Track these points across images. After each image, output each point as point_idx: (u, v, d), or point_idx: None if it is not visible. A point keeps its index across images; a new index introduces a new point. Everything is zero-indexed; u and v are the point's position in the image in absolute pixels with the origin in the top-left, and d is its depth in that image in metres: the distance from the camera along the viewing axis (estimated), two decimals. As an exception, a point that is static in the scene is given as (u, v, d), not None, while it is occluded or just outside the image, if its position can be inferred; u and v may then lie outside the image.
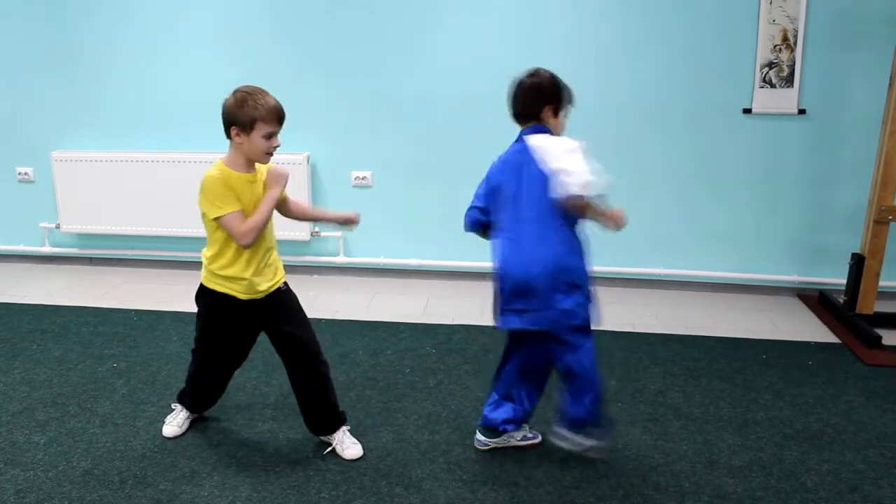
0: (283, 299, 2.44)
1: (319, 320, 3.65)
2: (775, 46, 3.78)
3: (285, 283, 2.47)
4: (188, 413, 2.64)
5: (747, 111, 3.88)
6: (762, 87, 3.84)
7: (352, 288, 4.23)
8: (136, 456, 2.46)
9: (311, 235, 4.30)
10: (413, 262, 4.32)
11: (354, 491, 2.27)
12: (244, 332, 2.49)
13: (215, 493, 2.26)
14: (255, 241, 2.26)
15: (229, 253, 2.30)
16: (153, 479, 2.33)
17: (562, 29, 3.90)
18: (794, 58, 3.78)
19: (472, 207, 2.40)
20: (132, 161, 4.28)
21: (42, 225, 4.56)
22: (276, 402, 2.83)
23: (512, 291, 2.24)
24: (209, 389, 2.61)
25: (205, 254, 2.37)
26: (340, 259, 4.38)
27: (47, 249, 4.61)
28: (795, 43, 3.76)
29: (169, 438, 2.55)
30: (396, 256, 4.35)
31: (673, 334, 3.52)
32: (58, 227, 4.50)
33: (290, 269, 4.33)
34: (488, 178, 2.38)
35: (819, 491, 2.29)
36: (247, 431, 2.62)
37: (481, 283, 4.28)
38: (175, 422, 2.60)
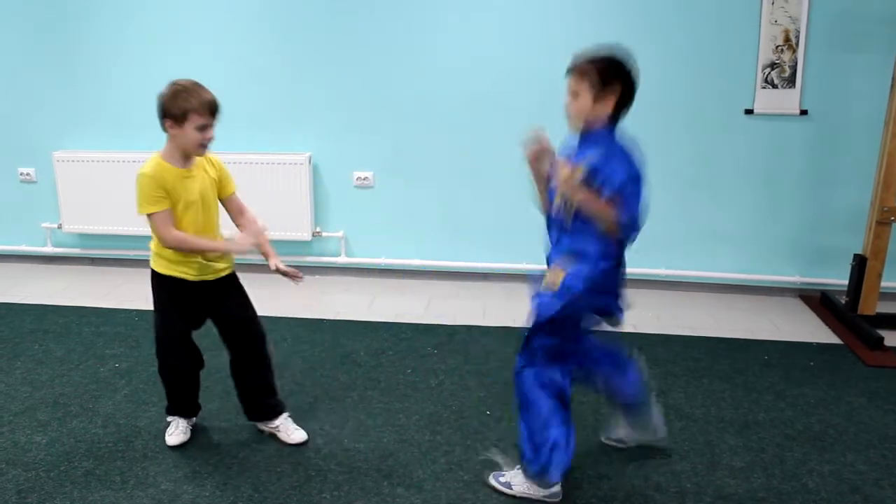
0: (231, 283, 2.51)
1: (321, 321, 3.65)
2: (777, 47, 3.78)
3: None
4: (186, 420, 2.61)
5: (749, 112, 3.88)
6: (764, 87, 3.83)
7: (353, 288, 4.23)
8: (138, 456, 2.46)
9: (313, 236, 4.30)
10: (414, 262, 4.32)
11: (356, 491, 2.28)
12: (194, 317, 2.51)
13: (217, 494, 2.26)
14: (179, 250, 2.34)
15: None
16: (155, 480, 2.33)
17: (562, 29, 3.90)
18: (795, 58, 3.78)
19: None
20: (134, 161, 4.27)
21: (44, 225, 4.56)
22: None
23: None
24: (187, 384, 2.58)
25: (154, 244, 2.40)
26: (342, 259, 4.38)
27: (49, 249, 4.62)
28: (797, 43, 3.76)
29: (177, 446, 2.53)
30: (398, 257, 4.35)
31: (674, 335, 3.52)
32: (59, 227, 4.51)
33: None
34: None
35: (820, 492, 2.28)
36: (248, 431, 2.62)
37: (483, 283, 4.29)
38: (177, 431, 2.57)
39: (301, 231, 4.23)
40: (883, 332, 3.40)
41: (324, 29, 4.07)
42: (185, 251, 2.34)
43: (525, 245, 3.93)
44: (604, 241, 2.06)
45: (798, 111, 3.84)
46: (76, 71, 4.33)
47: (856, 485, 2.32)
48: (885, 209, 3.51)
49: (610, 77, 2.02)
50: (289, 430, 2.55)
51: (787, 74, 3.80)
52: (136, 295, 4.04)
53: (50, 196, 4.49)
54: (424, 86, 4.08)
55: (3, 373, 3.08)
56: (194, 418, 2.65)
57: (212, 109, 2.27)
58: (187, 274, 2.39)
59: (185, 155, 2.32)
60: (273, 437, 2.57)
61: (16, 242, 4.67)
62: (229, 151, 4.20)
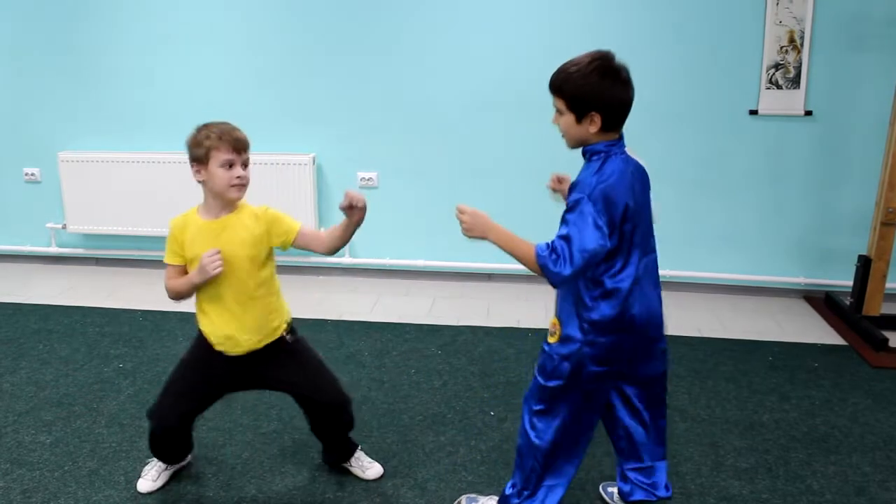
0: (278, 352, 2.22)
1: (325, 321, 3.65)
2: (782, 48, 3.77)
3: (286, 332, 2.26)
4: (164, 465, 2.35)
5: (753, 112, 3.87)
6: (768, 88, 3.83)
7: (357, 289, 4.23)
8: (142, 456, 2.46)
9: (317, 236, 4.29)
10: (419, 262, 4.32)
11: (359, 492, 2.28)
12: (211, 391, 2.27)
13: (221, 494, 2.26)
14: (177, 300, 2.20)
15: (201, 303, 2.21)
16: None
17: (568, 29, 3.89)
18: (800, 59, 3.77)
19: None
20: (139, 162, 4.29)
21: (48, 225, 4.57)
22: (280, 402, 2.82)
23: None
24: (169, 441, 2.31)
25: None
26: (346, 260, 4.39)
27: (54, 250, 4.63)
28: (802, 44, 3.75)
29: (143, 493, 2.30)
30: (402, 257, 4.35)
31: (679, 336, 3.51)
32: (64, 227, 4.52)
33: (296, 269, 4.38)
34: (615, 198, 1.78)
35: (825, 494, 2.28)
36: (252, 432, 2.63)
37: (487, 283, 4.29)
38: (150, 475, 2.33)
39: (305, 231, 4.23)
40: (888, 334, 3.40)
41: (328, 29, 4.08)
42: (176, 300, 2.21)
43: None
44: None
45: (802, 112, 3.83)
46: (81, 71, 4.34)
47: (861, 486, 2.32)
48: (890, 210, 3.50)
49: (583, 103, 1.80)
50: (363, 465, 2.37)
51: (791, 75, 3.80)
52: (141, 295, 4.05)
53: (55, 196, 4.50)
54: (429, 86, 4.08)
55: (8, 373, 3.09)
56: (181, 463, 2.40)
57: (233, 143, 2.08)
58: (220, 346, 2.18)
59: (224, 204, 2.13)
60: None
61: (20, 242, 4.68)
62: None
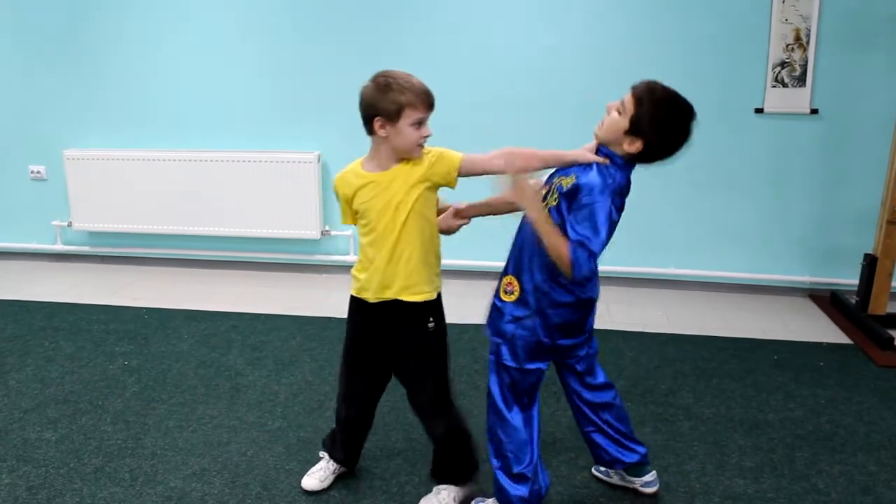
0: (411, 332, 2.17)
1: (329, 318, 3.65)
2: (788, 46, 3.76)
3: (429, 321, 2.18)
4: (336, 466, 2.32)
5: (759, 111, 3.86)
6: (774, 86, 3.82)
7: (361, 287, 4.22)
8: (147, 453, 2.47)
9: (322, 234, 4.30)
10: (423, 261, 4.32)
11: (364, 490, 2.28)
12: (375, 360, 2.28)
13: (225, 491, 2.26)
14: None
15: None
16: (164, 477, 2.34)
17: (571, 29, 3.89)
18: (806, 57, 3.76)
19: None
20: (144, 160, 4.30)
21: (54, 223, 4.58)
22: (285, 400, 2.83)
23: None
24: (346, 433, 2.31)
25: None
26: (351, 258, 4.38)
27: (59, 247, 4.64)
28: (808, 42, 3.74)
29: (308, 492, 2.27)
30: (406, 255, 4.34)
31: (684, 334, 3.50)
32: (70, 225, 4.53)
33: (300, 267, 4.38)
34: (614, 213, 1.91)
35: (831, 493, 2.27)
36: (257, 429, 2.63)
37: (492, 282, 4.27)
38: (317, 471, 2.30)
39: (310, 230, 4.23)
40: (893, 333, 3.39)
41: (334, 26, 4.08)
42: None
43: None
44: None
45: (808, 110, 3.82)
46: (87, 69, 4.35)
47: (867, 485, 2.31)
48: (897, 208, 3.49)
49: (638, 128, 1.90)
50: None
51: (797, 73, 3.78)
52: (146, 293, 4.06)
53: (60, 194, 4.51)
54: (434, 84, 4.06)
55: (13, 370, 3.10)
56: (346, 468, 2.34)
57: (431, 102, 2.05)
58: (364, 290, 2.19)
59: (396, 157, 2.07)
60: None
61: (26, 240, 4.69)
62: (238, 149, 4.22)
